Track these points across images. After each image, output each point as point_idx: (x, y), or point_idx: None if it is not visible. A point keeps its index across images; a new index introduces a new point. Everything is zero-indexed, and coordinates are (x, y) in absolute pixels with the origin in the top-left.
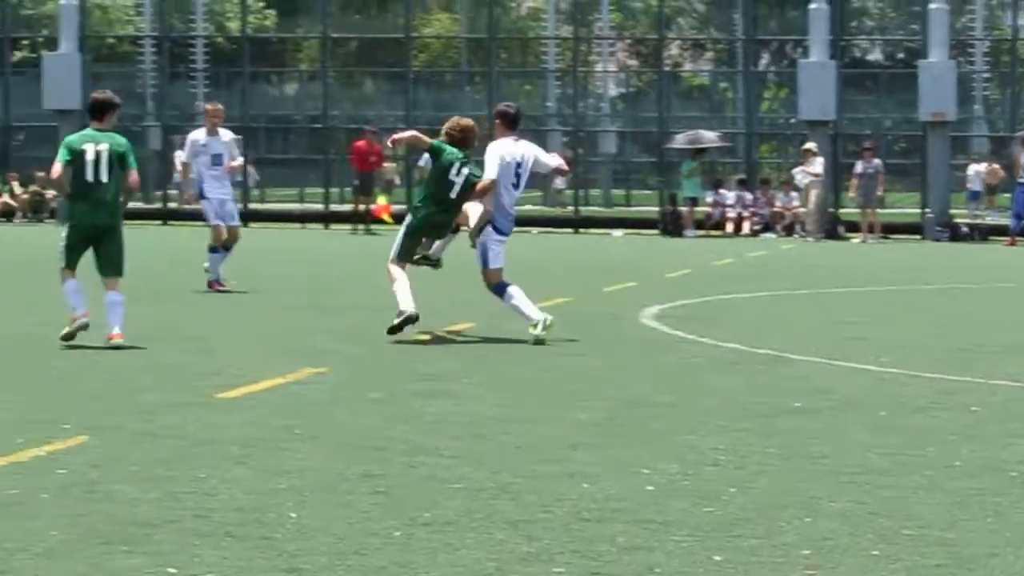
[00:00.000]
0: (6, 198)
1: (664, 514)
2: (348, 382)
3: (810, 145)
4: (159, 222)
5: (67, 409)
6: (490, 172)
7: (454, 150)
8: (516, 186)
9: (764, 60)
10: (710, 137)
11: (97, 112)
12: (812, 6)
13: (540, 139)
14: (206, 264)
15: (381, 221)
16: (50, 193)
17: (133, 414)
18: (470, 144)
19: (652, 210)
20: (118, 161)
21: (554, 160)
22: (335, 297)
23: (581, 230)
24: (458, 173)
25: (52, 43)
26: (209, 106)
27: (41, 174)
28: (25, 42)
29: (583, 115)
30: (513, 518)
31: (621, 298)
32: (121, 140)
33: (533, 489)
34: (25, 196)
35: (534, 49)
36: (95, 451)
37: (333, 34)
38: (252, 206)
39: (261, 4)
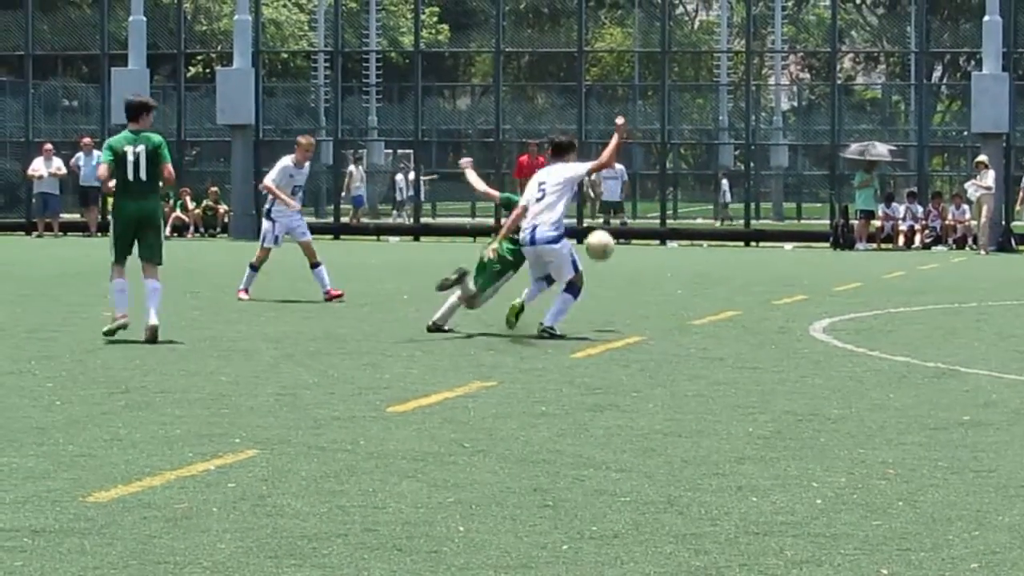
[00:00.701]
0: (179, 212)
1: (832, 527)
2: (517, 396)
3: (982, 158)
4: (330, 237)
5: (236, 423)
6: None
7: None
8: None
9: (937, 73)
10: (882, 151)
11: (133, 114)
12: (986, 19)
13: (711, 153)
14: (242, 282)
15: None
16: (222, 208)
17: (303, 428)
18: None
19: (823, 223)
20: (154, 158)
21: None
22: (501, 310)
23: (752, 243)
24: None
25: (226, 58)
26: (303, 140)
27: (215, 189)
28: (199, 58)
29: (755, 129)
30: (681, 532)
31: (791, 311)
32: (156, 138)
33: (701, 503)
34: (198, 211)
35: (707, 63)
36: (264, 465)
37: (506, 48)
38: (424, 220)
39: (434, 19)
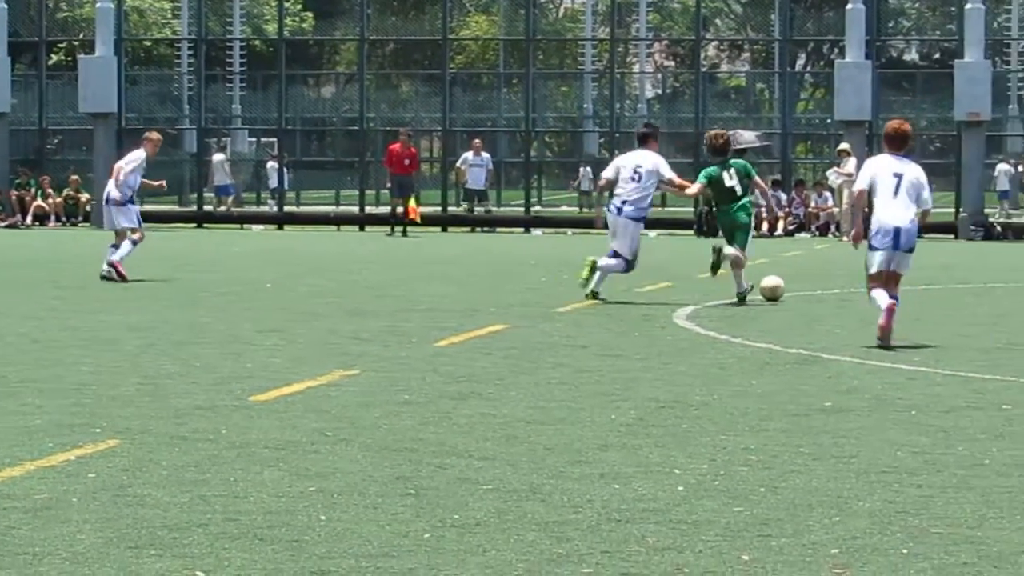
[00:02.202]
0: (40, 201)
1: (694, 514)
2: (380, 384)
3: (845, 146)
4: (194, 225)
5: (98, 413)
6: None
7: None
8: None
9: (801, 61)
10: (748, 137)
11: None
12: (849, 7)
13: (576, 141)
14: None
15: (414, 223)
16: (84, 197)
17: (164, 418)
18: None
19: (688, 211)
20: None
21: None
22: (367, 300)
23: None
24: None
25: (89, 46)
26: (153, 135)
27: (76, 178)
28: (61, 45)
29: (620, 116)
30: (543, 519)
31: (655, 298)
32: None
33: (563, 490)
34: (59, 200)
35: (571, 51)
36: (125, 455)
37: (370, 36)
38: (288, 209)
39: (299, 7)
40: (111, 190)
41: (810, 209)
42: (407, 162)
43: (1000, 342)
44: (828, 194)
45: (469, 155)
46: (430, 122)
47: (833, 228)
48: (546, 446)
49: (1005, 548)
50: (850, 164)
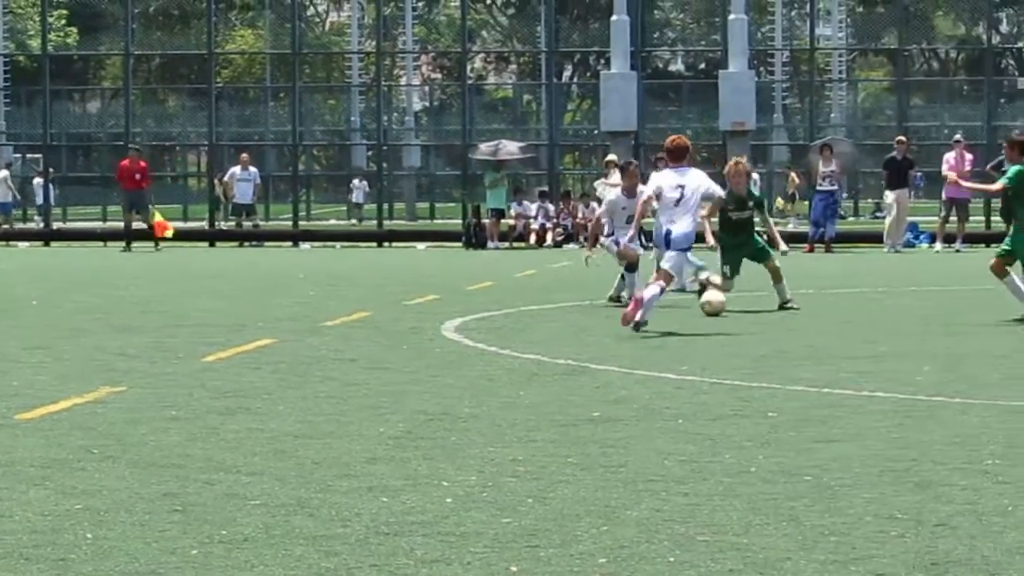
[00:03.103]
0: None
1: (462, 526)
2: (147, 401)
3: (612, 157)
4: None
5: None
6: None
7: None
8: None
9: (567, 72)
10: (512, 148)
11: None
12: (614, 18)
13: (344, 154)
14: None
15: (165, 238)
16: None
17: None
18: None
19: (456, 223)
20: None
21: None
22: (134, 316)
23: (385, 244)
24: None
25: None
26: None
27: None
28: None
29: (387, 129)
30: (312, 533)
31: (423, 311)
32: None
33: (332, 504)
34: None
35: (338, 64)
36: None
37: (135, 51)
38: (55, 225)
39: (63, 22)
40: None
41: (578, 220)
42: (138, 176)
43: (766, 350)
44: (595, 204)
45: (236, 169)
46: (197, 136)
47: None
48: (314, 460)
49: (771, 555)
50: (617, 175)
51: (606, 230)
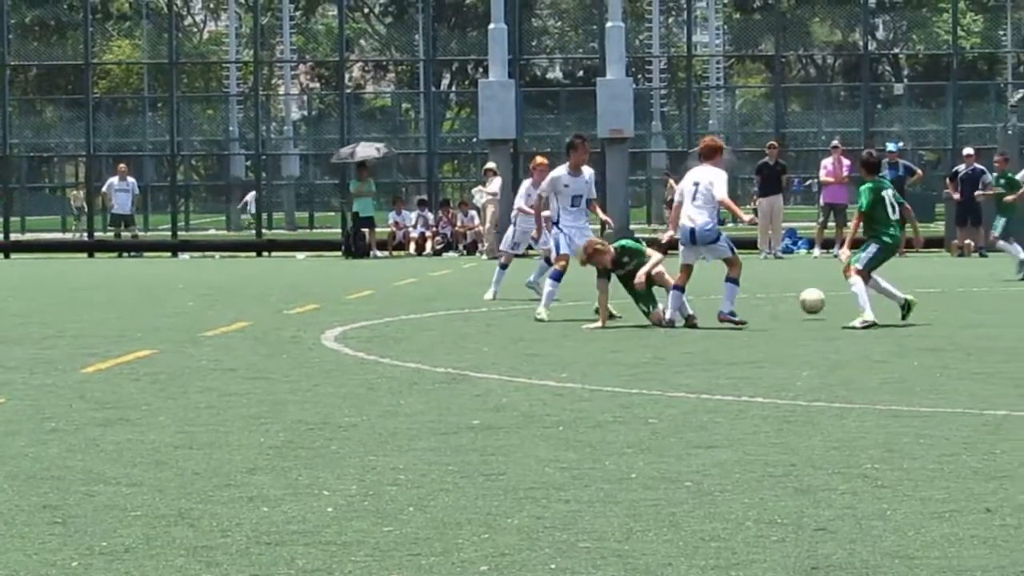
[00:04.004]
0: None
1: (343, 535)
2: (26, 412)
3: (491, 165)
4: None
5: None
6: None
7: None
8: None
9: (446, 80)
10: (368, 151)
11: None
12: (492, 26)
13: (223, 164)
14: None
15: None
16: None
17: None
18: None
19: (336, 232)
20: None
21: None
22: (11, 327)
23: (265, 253)
24: None
25: None
26: None
27: None
28: None
29: (266, 139)
30: (192, 544)
31: (303, 321)
32: None
33: (212, 514)
34: None
35: (216, 73)
36: None
37: (12, 62)
38: None
39: None
40: None
41: (457, 228)
42: None
43: (646, 357)
44: (474, 212)
45: (115, 180)
46: (75, 147)
47: (480, 246)
48: (194, 471)
49: (652, 561)
50: (495, 183)
51: (554, 215)
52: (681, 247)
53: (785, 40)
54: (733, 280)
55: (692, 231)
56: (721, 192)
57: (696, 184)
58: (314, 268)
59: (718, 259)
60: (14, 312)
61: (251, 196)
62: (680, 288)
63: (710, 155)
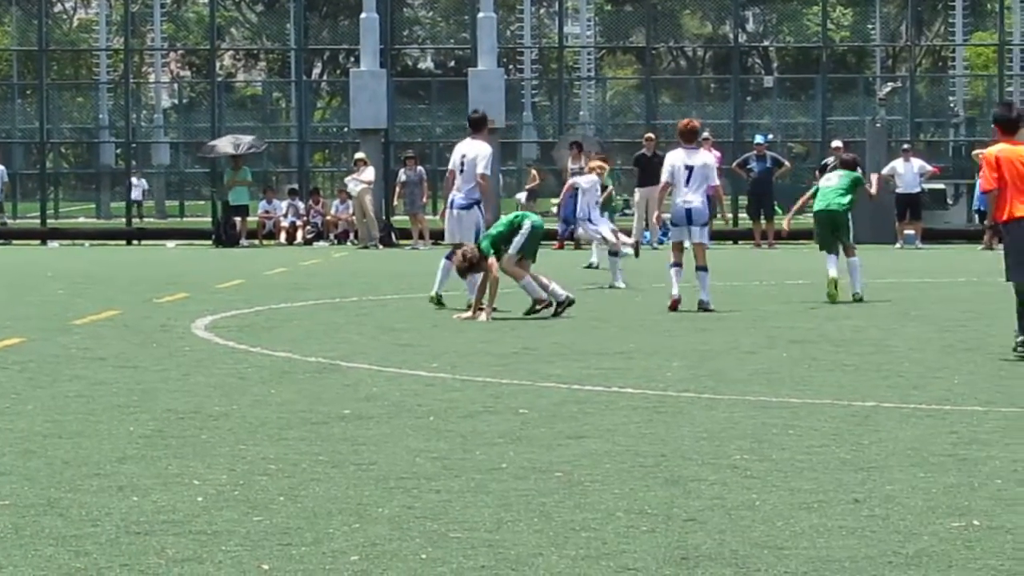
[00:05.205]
0: None
1: (214, 524)
2: None
3: (361, 154)
4: None
5: None
6: None
7: None
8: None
9: (317, 70)
10: (244, 141)
11: None
12: (363, 16)
13: (93, 152)
14: None
15: None
16: None
17: None
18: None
19: (207, 220)
20: None
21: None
22: None
23: (135, 242)
24: None
25: None
26: None
27: None
28: None
29: (136, 127)
30: (62, 533)
31: (173, 309)
32: None
33: (82, 504)
34: None
35: (86, 61)
36: None
37: None
38: None
39: None
40: None
41: (328, 217)
42: None
43: (516, 347)
44: (350, 202)
45: None
46: None
47: (352, 236)
48: (64, 459)
49: (523, 550)
50: (368, 172)
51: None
52: (673, 227)
53: (656, 32)
54: (703, 268)
55: (689, 211)
56: (714, 177)
57: (690, 168)
58: (184, 256)
59: (697, 241)
60: None
61: (136, 182)
62: (678, 264)
63: (690, 138)
